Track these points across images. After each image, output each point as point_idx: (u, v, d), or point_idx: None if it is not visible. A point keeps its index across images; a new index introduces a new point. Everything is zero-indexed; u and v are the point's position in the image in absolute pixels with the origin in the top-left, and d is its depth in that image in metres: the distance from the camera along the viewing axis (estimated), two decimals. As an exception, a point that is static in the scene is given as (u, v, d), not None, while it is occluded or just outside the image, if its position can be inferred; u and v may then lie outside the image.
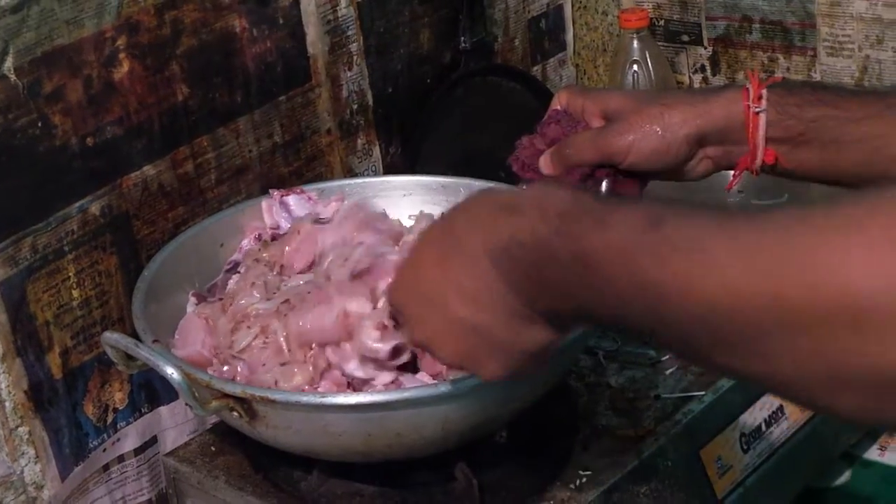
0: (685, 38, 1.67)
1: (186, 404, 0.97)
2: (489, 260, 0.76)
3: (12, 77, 1.08)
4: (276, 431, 0.97)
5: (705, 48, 1.66)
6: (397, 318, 0.88)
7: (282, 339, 1.03)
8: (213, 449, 1.12)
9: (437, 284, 0.79)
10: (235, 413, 0.96)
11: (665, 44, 1.68)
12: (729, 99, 1.11)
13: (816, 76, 1.56)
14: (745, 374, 0.68)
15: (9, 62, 1.08)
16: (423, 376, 1.01)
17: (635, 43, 1.60)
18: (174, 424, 1.25)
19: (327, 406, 0.94)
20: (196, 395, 0.95)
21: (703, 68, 1.67)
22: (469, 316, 0.78)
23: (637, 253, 0.70)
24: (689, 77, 1.69)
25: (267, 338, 1.02)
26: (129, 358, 0.99)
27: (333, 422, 0.95)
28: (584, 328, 0.92)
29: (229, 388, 0.95)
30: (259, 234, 1.16)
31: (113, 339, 0.97)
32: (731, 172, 1.15)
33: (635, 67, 1.60)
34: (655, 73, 1.61)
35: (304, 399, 0.95)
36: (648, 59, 1.60)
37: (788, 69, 1.58)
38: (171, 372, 0.94)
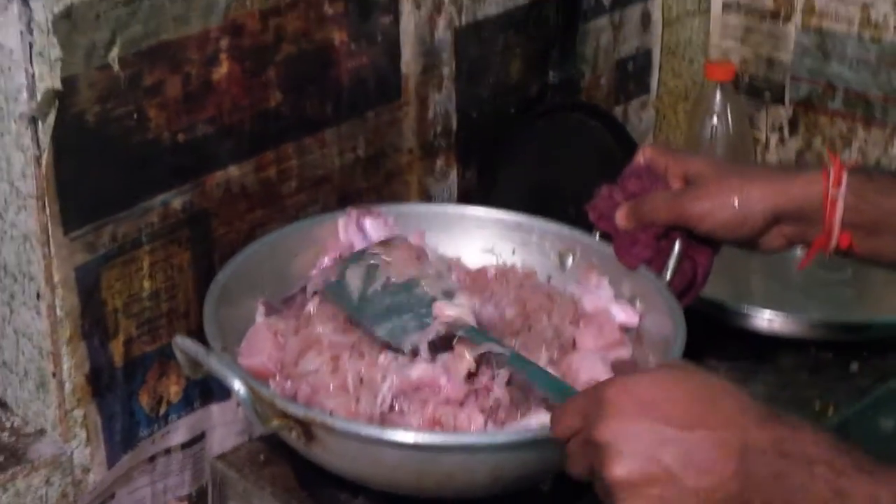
0: (767, 95, 1.68)
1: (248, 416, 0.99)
2: (738, 454, 0.80)
3: (115, 67, 1.10)
4: (331, 456, 0.99)
5: (786, 108, 1.66)
6: (592, 448, 0.85)
7: (349, 376, 1.05)
8: (261, 458, 1.13)
9: (674, 440, 0.81)
10: (294, 433, 0.97)
11: (747, 98, 1.68)
12: (809, 180, 1.12)
13: (894, 152, 1.57)
14: None
15: (114, 52, 1.09)
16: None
17: (718, 94, 1.61)
18: (223, 423, 1.26)
19: (385, 441, 0.95)
20: (258, 409, 0.97)
21: (781, 128, 1.68)
22: (686, 483, 0.80)
23: None
24: (767, 135, 1.69)
25: (336, 367, 1.04)
26: (197, 365, 1.00)
27: (388, 456, 0.96)
28: None
29: (292, 409, 0.97)
30: (340, 255, 1.17)
31: (184, 345, 0.99)
32: (804, 251, 1.17)
33: (715, 119, 1.61)
34: (734, 126, 1.61)
35: (364, 431, 0.96)
36: (729, 112, 1.61)
37: (866, 141, 1.59)
38: (237, 386, 0.96)
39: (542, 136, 1.49)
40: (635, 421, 0.82)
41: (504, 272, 1.21)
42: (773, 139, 1.69)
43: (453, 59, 1.39)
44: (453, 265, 1.19)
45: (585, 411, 0.85)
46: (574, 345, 1.13)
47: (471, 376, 1.04)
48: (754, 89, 1.69)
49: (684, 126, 1.69)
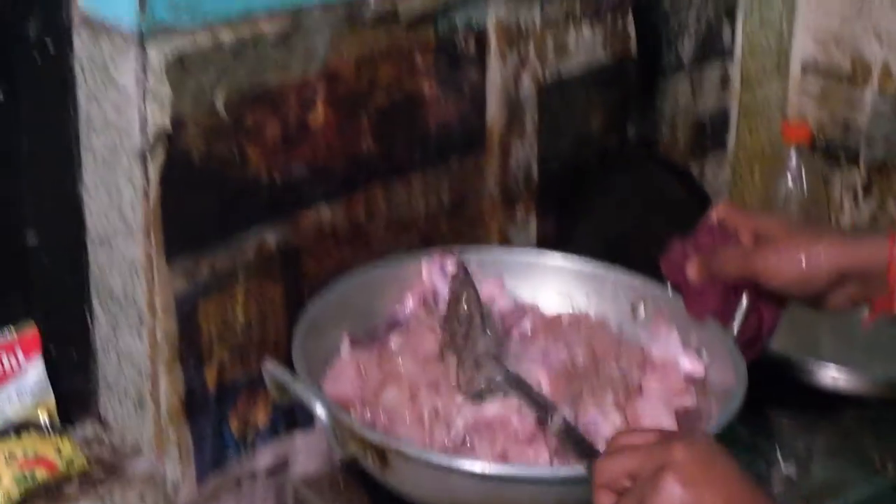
0: (843, 158, 1.72)
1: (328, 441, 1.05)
2: None
3: (221, 109, 1.18)
4: (404, 482, 1.05)
5: (861, 172, 1.71)
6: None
7: (426, 409, 1.11)
8: (341, 484, 1.20)
9: None
10: (370, 459, 1.04)
11: (822, 160, 1.73)
12: (876, 243, 1.16)
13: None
14: None
15: (220, 95, 1.17)
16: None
17: (794, 156, 1.65)
18: (307, 451, 1.32)
19: (454, 470, 1.01)
20: (338, 435, 1.03)
21: (855, 190, 1.72)
22: None
23: None
24: (841, 197, 1.73)
25: (413, 400, 1.10)
26: (284, 390, 1.07)
27: (458, 484, 1.02)
28: None
29: (369, 436, 1.03)
30: (425, 298, 1.24)
31: (273, 370, 1.06)
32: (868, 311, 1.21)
33: (790, 180, 1.65)
34: (809, 188, 1.66)
35: (436, 459, 1.03)
36: (804, 174, 1.66)
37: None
38: (319, 411, 1.02)
39: (620, 189, 1.55)
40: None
41: (577, 319, 1.26)
42: (847, 201, 1.73)
43: (536, 112, 1.45)
44: (528, 309, 1.25)
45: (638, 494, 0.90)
46: (640, 391, 1.18)
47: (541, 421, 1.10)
48: (830, 151, 1.74)
49: (759, 185, 1.74)
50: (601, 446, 1.09)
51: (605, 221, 1.53)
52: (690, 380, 1.20)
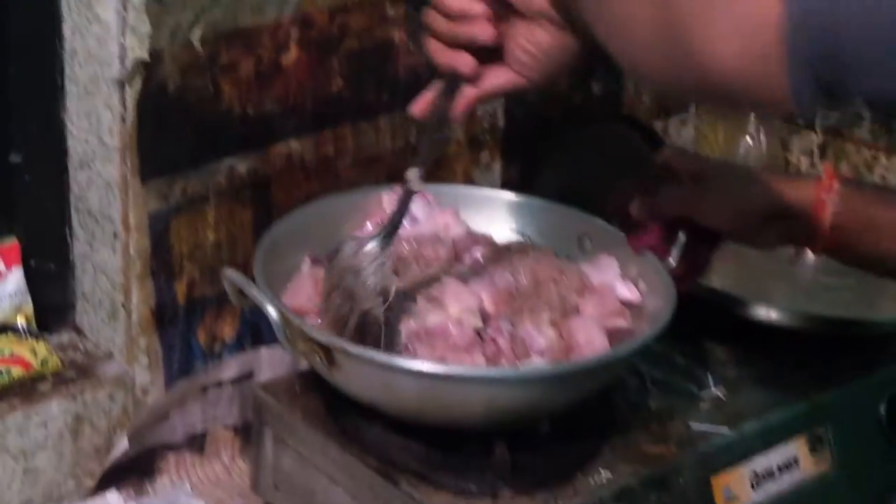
0: (800, 121, 1.81)
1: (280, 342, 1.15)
2: None
3: (197, 45, 1.27)
4: (349, 380, 1.15)
5: (817, 135, 1.79)
6: None
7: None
8: (297, 390, 1.29)
9: None
10: (318, 357, 1.13)
11: (781, 123, 1.81)
12: (804, 185, 1.25)
13: (913, 180, 1.69)
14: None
15: (196, 32, 1.27)
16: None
17: (753, 117, 1.74)
18: (270, 365, 1.41)
19: (392, 367, 1.11)
20: (288, 335, 1.13)
21: (811, 153, 1.80)
22: None
23: None
24: (798, 158, 1.82)
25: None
26: (242, 295, 1.17)
27: (395, 381, 1.12)
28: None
29: (315, 335, 1.12)
30: (382, 222, 1.33)
31: (231, 275, 1.16)
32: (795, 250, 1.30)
33: (749, 140, 1.74)
34: (767, 148, 1.75)
35: (375, 356, 1.12)
36: (763, 135, 1.74)
37: (887, 169, 1.71)
38: (271, 311, 1.12)
39: (583, 141, 1.64)
40: None
41: (524, 247, 1.35)
42: (804, 163, 1.81)
43: (503, 63, 1.54)
44: (480, 238, 1.34)
45: None
46: (577, 311, 1.27)
47: (481, 336, 1.19)
48: (789, 115, 1.82)
49: (721, 145, 1.83)
50: (535, 360, 1.18)
51: (567, 171, 1.62)
52: (626, 305, 1.29)
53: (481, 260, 1.31)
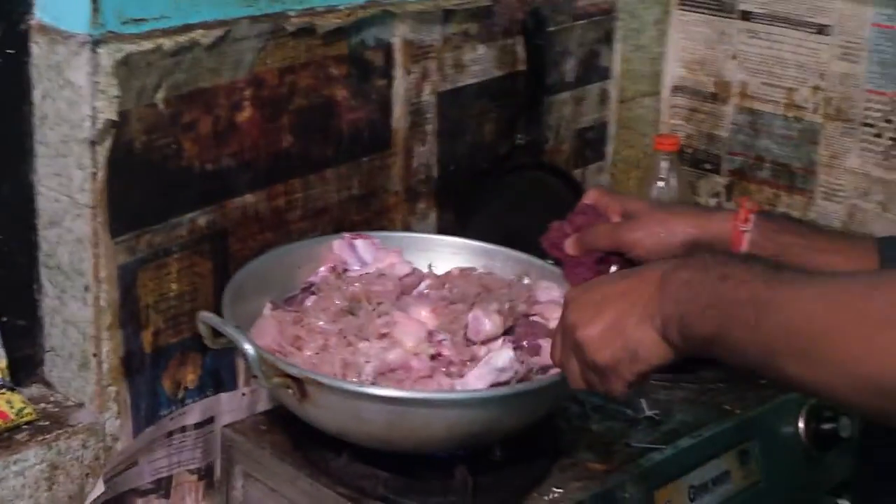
0: (707, 166, 1.95)
1: (253, 376, 1.23)
2: (657, 278, 1.05)
3: (161, 106, 1.36)
4: (319, 411, 1.23)
5: (722, 178, 1.94)
6: (567, 319, 1.11)
7: (336, 360, 1.29)
8: (262, 428, 1.38)
9: (612, 289, 1.09)
10: (290, 390, 1.22)
11: (689, 168, 1.95)
12: (723, 218, 1.37)
13: (812, 216, 1.83)
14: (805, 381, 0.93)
15: (160, 94, 1.35)
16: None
17: (664, 164, 1.86)
18: (230, 409, 1.48)
19: (362, 394, 1.20)
20: (263, 369, 1.21)
21: (718, 194, 1.94)
22: (622, 308, 1.06)
23: (757, 281, 0.97)
24: (707, 200, 1.96)
25: (326, 351, 1.29)
26: (216, 336, 1.25)
27: (364, 408, 1.21)
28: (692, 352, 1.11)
29: (289, 369, 1.21)
30: (334, 267, 1.43)
31: (207, 317, 1.25)
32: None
33: (661, 184, 1.86)
34: (678, 192, 1.87)
35: (346, 385, 1.21)
36: (674, 180, 1.87)
37: (789, 206, 1.86)
38: (247, 347, 1.21)
39: (511, 189, 1.75)
40: (584, 293, 1.12)
41: (467, 271, 1.45)
42: (712, 203, 1.95)
43: (436, 118, 1.66)
44: (426, 275, 1.44)
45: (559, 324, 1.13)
46: (525, 316, 1.37)
47: (433, 357, 1.29)
48: (696, 160, 1.97)
49: (635, 189, 1.96)
50: (482, 338, 1.29)
51: (497, 216, 1.74)
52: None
53: (426, 291, 1.41)
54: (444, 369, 1.27)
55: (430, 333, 1.29)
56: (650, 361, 1.07)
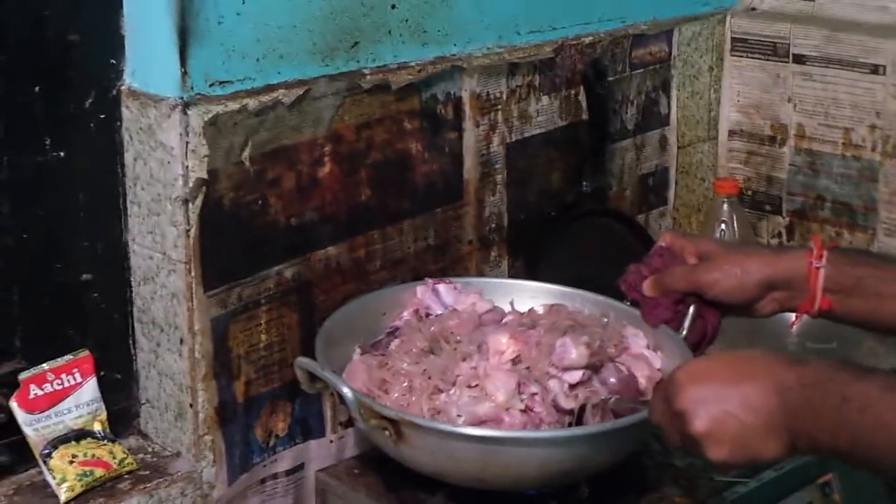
0: (767, 207, 1.99)
1: (350, 418, 1.27)
2: (776, 392, 1.11)
3: (247, 164, 1.41)
4: (415, 452, 1.27)
5: (783, 218, 1.97)
6: (682, 417, 1.14)
7: (426, 406, 1.33)
8: (356, 471, 1.42)
9: (730, 394, 1.12)
10: (387, 432, 1.26)
11: (750, 211, 1.99)
12: (797, 256, 1.40)
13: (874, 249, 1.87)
14: None
15: (246, 152, 1.41)
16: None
17: (725, 207, 1.90)
18: (319, 456, 1.53)
19: (457, 434, 1.24)
20: (361, 413, 1.26)
21: (779, 234, 1.98)
22: (747, 421, 1.11)
23: (879, 400, 1.06)
24: (768, 241, 1.99)
25: (410, 391, 1.33)
26: (313, 380, 1.29)
27: (458, 448, 1.25)
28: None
29: (386, 412, 1.26)
30: (417, 310, 1.47)
31: (304, 362, 1.29)
32: (794, 315, 1.45)
33: (723, 227, 1.90)
34: (739, 234, 1.91)
35: (441, 426, 1.25)
36: (734, 222, 1.91)
37: (851, 243, 1.89)
38: (346, 391, 1.25)
39: (577, 235, 1.80)
40: (699, 387, 1.14)
41: (557, 306, 1.50)
42: (774, 244, 1.99)
43: (505, 168, 1.71)
44: (507, 312, 1.49)
45: (665, 395, 1.17)
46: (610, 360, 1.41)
47: (524, 411, 1.33)
48: (756, 202, 2.01)
49: (697, 232, 1.99)
50: (565, 365, 1.33)
51: (565, 264, 1.77)
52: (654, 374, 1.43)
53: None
54: (532, 423, 1.30)
55: (520, 385, 1.31)
56: (766, 461, 1.14)
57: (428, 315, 1.48)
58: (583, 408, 1.31)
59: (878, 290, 1.37)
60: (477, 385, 1.33)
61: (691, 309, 1.43)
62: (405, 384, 1.34)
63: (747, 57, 1.99)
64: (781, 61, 1.94)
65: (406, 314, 1.47)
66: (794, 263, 1.40)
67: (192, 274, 1.39)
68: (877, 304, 1.38)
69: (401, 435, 1.25)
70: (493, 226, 1.72)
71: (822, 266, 1.39)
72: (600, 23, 1.81)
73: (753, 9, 2.00)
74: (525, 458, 1.25)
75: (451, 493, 1.32)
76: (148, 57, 1.37)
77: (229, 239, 1.42)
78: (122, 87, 1.40)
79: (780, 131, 1.96)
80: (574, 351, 1.33)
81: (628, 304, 1.50)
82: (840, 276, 1.38)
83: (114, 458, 1.39)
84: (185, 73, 1.35)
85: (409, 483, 1.34)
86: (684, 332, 1.43)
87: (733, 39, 2.00)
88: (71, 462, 1.37)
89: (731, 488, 1.40)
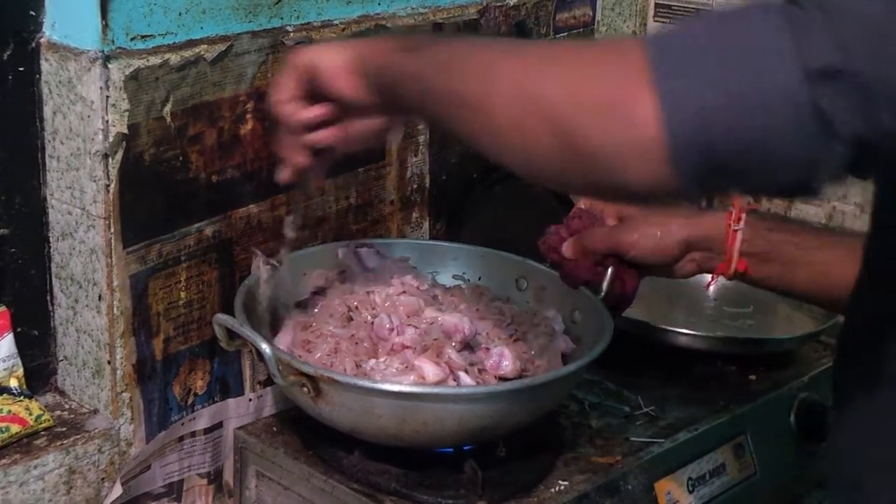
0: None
1: (269, 375, 1.27)
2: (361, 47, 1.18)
3: (168, 119, 1.40)
4: (333, 409, 1.27)
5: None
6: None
7: (347, 360, 1.33)
8: (274, 429, 1.42)
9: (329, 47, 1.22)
10: (305, 388, 1.26)
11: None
12: (716, 217, 1.43)
13: (792, 213, 1.89)
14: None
15: (168, 107, 1.40)
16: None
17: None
18: (237, 415, 1.53)
19: (376, 390, 1.24)
20: (279, 369, 1.25)
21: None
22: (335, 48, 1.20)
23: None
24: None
25: (335, 353, 1.33)
26: (231, 337, 1.29)
27: (377, 405, 1.25)
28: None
29: (305, 368, 1.26)
30: (341, 272, 1.47)
31: (223, 318, 1.29)
32: (710, 276, 1.47)
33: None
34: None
35: (359, 382, 1.26)
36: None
37: (769, 210, 1.91)
38: (265, 347, 1.25)
39: (499, 198, 1.80)
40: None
41: (475, 288, 1.51)
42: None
43: (427, 129, 1.71)
44: (432, 284, 1.49)
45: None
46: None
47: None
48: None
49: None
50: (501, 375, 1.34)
51: (487, 226, 1.78)
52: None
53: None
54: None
55: (453, 372, 1.32)
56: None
57: (350, 277, 1.48)
58: None
59: (794, 256, 1.40)
60: (406, 366, 1.34)
61: (610, 270, 1.44)
62: (332, 345, 1.35)
63: (671, 22, 2.00)
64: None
65: (329, 275, 1.47)
66: (713, 224, 1.42)
67: (112, 230, 1.37)
68: (791, 270, 1.41)
69: (319, 392, 1.25)
70: (415, 186, 1.72)
71: (740, 228, 1.41)
72: (525, -15, 1.81)
73: (677, -25, 2.02)
74: (443, 414, 1.26)
75: (368, 450, 1.33)
76: (68, 9, 1.35)
77: (149, 195, 1.40)
78: (42, 40, 1.38)
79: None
80: (510, 364, 1.34)
81: (548, 265, 1.51)
82: (757, 240, 1.41)
83: (30, 414, 1.38)
84: (105, 26, 1.33)
85: (327, 441, 1.34)
86: (603, 293, 1.44)
87: (657, 5, 2.01)
88: (-15, 418, 1.35)
89: (646, 449, 1.42)
